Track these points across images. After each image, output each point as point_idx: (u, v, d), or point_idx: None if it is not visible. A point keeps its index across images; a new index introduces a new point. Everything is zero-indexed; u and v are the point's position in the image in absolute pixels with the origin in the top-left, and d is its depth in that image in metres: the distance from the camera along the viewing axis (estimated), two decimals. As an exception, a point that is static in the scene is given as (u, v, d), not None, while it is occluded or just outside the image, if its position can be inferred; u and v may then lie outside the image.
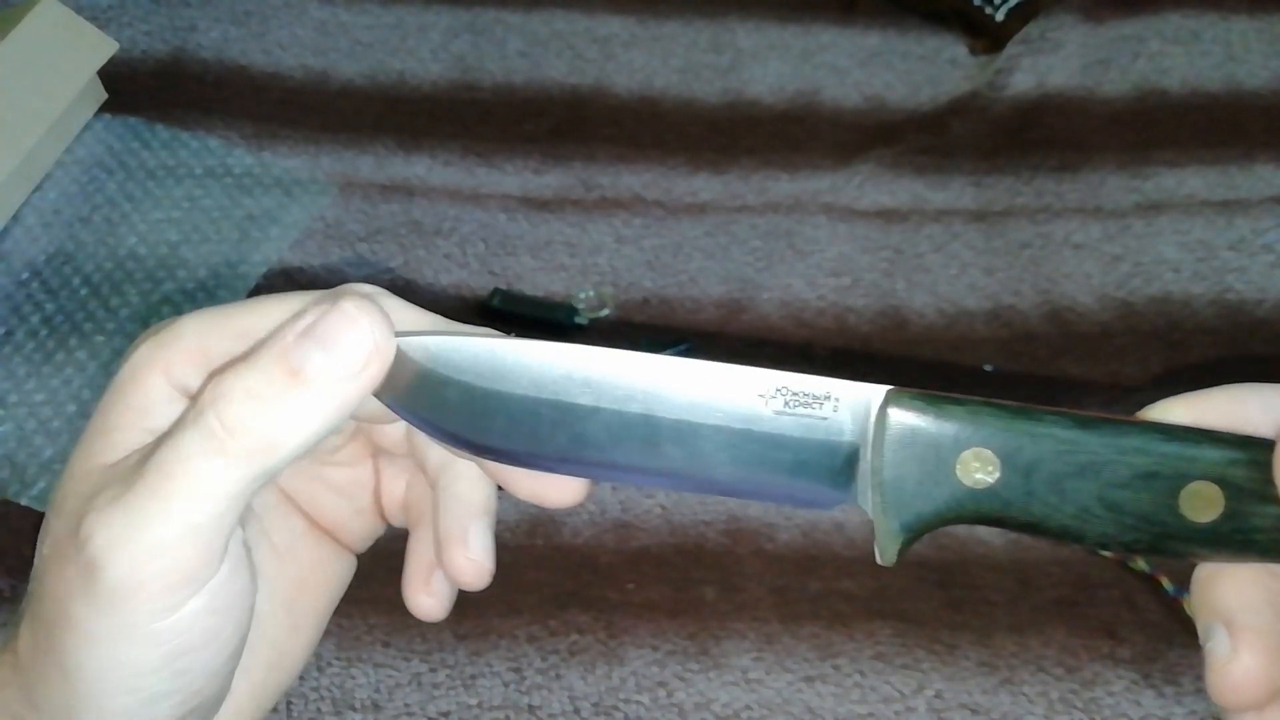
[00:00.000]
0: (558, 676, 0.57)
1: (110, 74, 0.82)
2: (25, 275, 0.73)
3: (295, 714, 0.56)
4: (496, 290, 0.73)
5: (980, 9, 0.90)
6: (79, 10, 0.80)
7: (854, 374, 0.72)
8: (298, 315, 0.27)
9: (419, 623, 0.59)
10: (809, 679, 0.57)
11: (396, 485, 0.33)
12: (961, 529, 0.63)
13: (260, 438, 0.25)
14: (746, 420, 0.27)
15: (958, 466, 0.26)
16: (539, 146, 0.83)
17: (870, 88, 0.88)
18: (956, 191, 0.80)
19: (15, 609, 0.58)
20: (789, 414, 0.27)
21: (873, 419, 0.27)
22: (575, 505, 0.30)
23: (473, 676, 0.57)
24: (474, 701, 0.56)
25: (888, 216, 0.78)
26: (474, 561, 0.30)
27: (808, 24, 0.92)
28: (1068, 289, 0.74)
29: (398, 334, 0.27)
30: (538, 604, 0.60)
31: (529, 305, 0.72)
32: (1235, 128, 0.84)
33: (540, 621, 0.59)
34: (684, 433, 0.27)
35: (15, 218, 0.76)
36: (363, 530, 0.34)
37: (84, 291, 0.72)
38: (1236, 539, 0.25)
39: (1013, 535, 0.63)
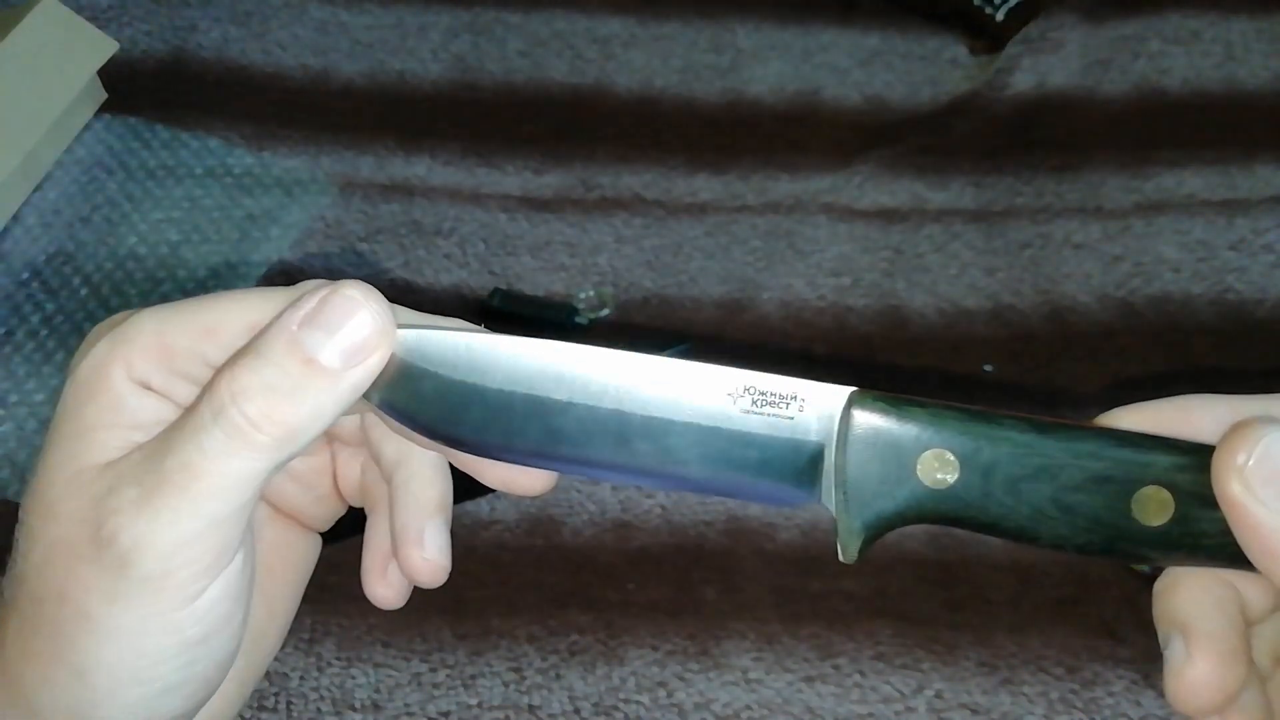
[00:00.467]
0: (558, 676, 0.57)
1: (110, 74, 0.82)
2: (25, 275, 0.73)
3: (295, 714, 0.56)
4: (496, 290, 0.73)
5: (980, 9, 0.90)
6: (79, 10, 0.80)
7: (854, 374, 0.72)
8: (296, 303, 0.27)
9: (419, 622, 0.59)
10: (809, 679, 0.57)
11: (352, 469, 0.34)
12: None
13: (284, 429, 0.26)
14: (714, 418, 0.27)
15: (918, 466, 0.27)
16: (539, 146, 0.83)
17: (870, 88, 0.88)
18: (956, 191, 0.80)
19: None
20: (756, 413, 0.27)
21: (837, 419, 0.27)
22: (544, 493, 0.30)
23: (473, 676, 0.57)
24: (474, 701, 0.56)
25: (888, 216, 0.78)
26: (429, 562, 0.31)
27: (808, 24, 0.92)
28: (1068, 289, 0.74)
29: None
30: (538, 604, 0.60)
31: (529, 305, 0.72)
32: (1235, 128, 0.84)
33: (540, 621, 0.59)
34: (654, 429, 0.27)
35: (15, 218, 0.76)
36: (324, 513, 0.34)
37: (84, 291, 0.72)
38: (1186, 543, 0.26)
39: (1013, 535, 0.63)
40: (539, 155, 0.82)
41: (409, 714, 0.56)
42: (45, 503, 0.27)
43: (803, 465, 0.27)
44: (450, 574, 0.32)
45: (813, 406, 0.27)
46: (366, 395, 0.28)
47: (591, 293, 0.74)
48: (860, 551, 0.27)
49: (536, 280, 0.74)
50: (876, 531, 0.27)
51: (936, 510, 0.27)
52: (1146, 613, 0.63)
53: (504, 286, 0.74)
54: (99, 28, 0.80)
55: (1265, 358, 0.71)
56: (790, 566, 0.62)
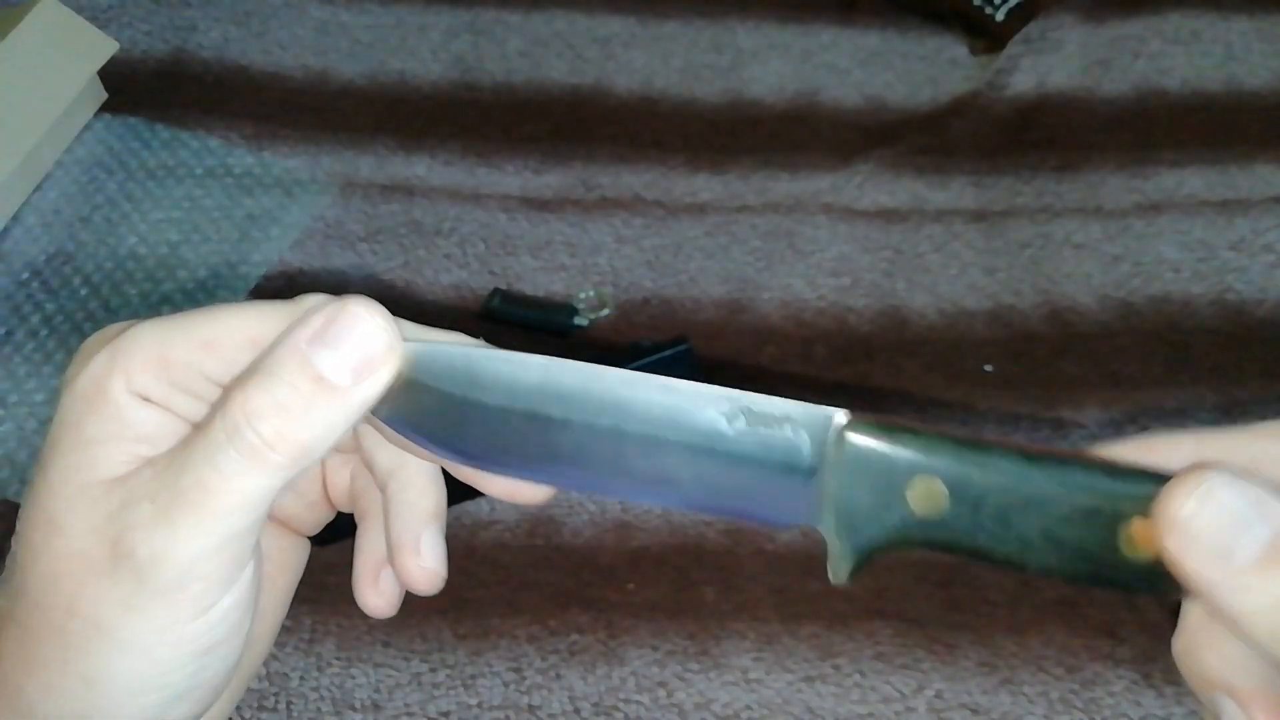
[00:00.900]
0: (558, 676, 0.57)
1: (110, 74, 0.82)
2: (25, 275, 0.73)
3: (295, 714, 0.56)
4: (496, 290, 0.73)
5: (980, 9, 0.90)
6: (79, 10, 0.80)
7: (854, 374, 0.71)
8: (304, 320, 0.27)
9: (419, 622, 0.59)
10: (809, 679, 0.57)
11: (341, 475, 0.34)
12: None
13: (297, 447, 0.27)
14: (709, 438, 0.28)
15: (909, 493, 0.27)
16: (539, 146, 0.83)
17: (870, 88, 0.88)
18: (956, 191, 0.80)
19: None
20: (750, 434, 0.28)
21: (831, 443, 0.27)
22: (545, 503, 0.31)
23: (473, 676, 0.57)
24: (474, 701, 0.56)
25: (888, 216, 0.78)
26: (427, 570, 0.31)
27: (808, 24, 0.92)
28: (1068, 289, 0.74)
29: None
30: (538, 604, 0.60)
31: (529, 305, 0.72)
32: (1235, 128, 0.84)
33: (540, 621, 0.59)
34: (649, 448, 0.28)
35: (15, 218, 0.76)
36: (314, 518, 0.35)
37: (84, 291, 0.72)
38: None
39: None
40: (539, 155, 0.82)
41: (409, 714, 0.56)
42: (49, 516, 0.27)
43: (795, 487, 0.28)
44: (450, 574, 0.32)
45: (806, 429, 0.27)
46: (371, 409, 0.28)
47: (591, 293, 0.74)
48: (851, 575, 0.28)
49: (536, 280, 0.74)
50: (867, 556, 0.28)
51: (926, 537, 0.27)
52: (1146, 613, 0.63)
53: (504, 286, 0.74)
54: (99, 28, 0.80)
55: (1265, 358, 0.70)
56: (790, 566, 0.62)
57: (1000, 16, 0.89)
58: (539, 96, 0.86)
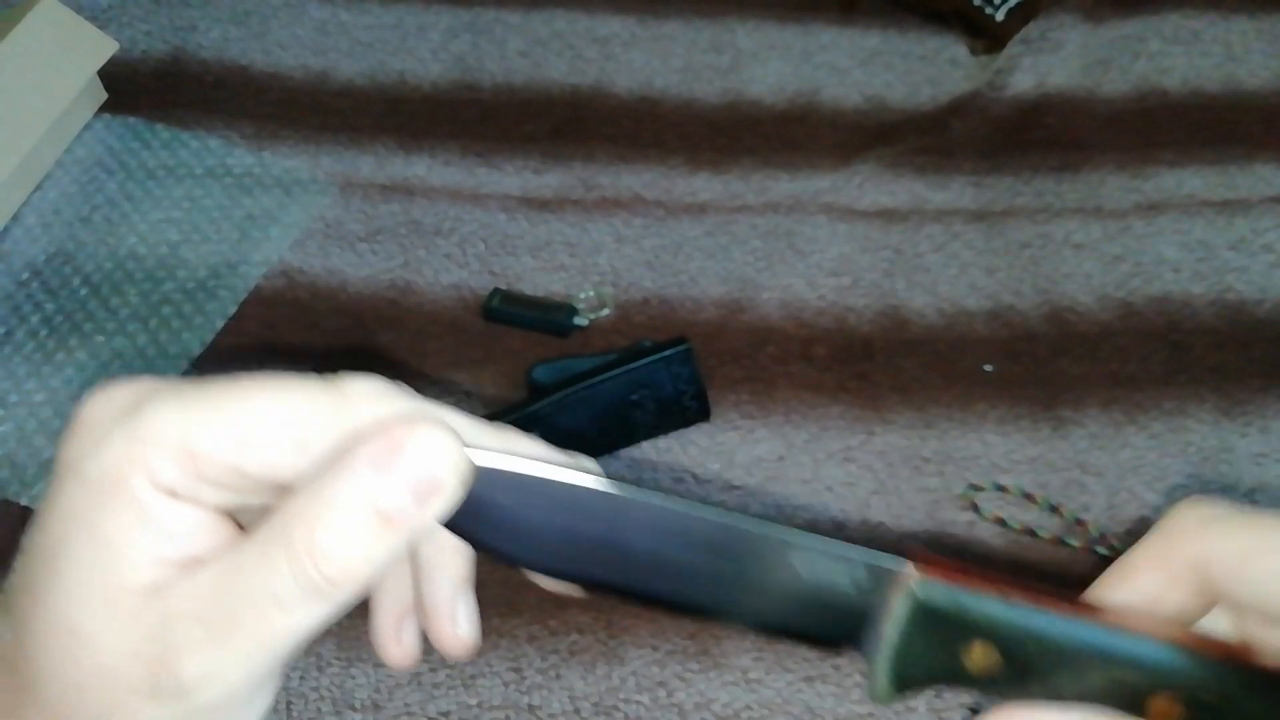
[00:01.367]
0: (558, 676, 0.57)
1: (110, 74, 0.82)
2: (25, 275, 0.73)
3: (295, 714, 0.56)
4: (496, 290, 0.73)
5: (980, 9, 0.90)
6: (79, 10, 0.80)
7: (854, 374, 0.71)
8: (369, 445, 0.26)
9: (419, 623, 0.59)
10: (809, 679, 0.57)
11: None
12: (960, 528, 0.63)
13: (359, 582, 0.26)
14: (775, 576, 0.28)
15: (964, 654, 0.28)
16: (539, 146, 0.83)
17: (870, 88, 0.88)
18: (956, 191, 0.80)
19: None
20: (815, 576, 0.28)
21: (893, 592, 0.28)
22: None
23: (473, 676, 0.57)
24: (474, 701, 0.56)
25: (888, 216, 0.78)
26: (463, 639, 0.31)
27: (808, 24, 0.92)
28: (1068, 289, 0.74)
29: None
30: (538, 604, 0.60)
31: (529, 305, 0.72)
32: (1235, 128, 0.84)
33: (540, 621, 0.59)
34: (714, 579, 0.29)
35: (15, 218, 0.76)
36: None
37: (84, 291, 0.72)
38: None
39: (1012, 535, 0.63)
40: (539, 155, 0.82)
41: (409, 714, 0.56)
42: (71, 626, 0.26)
43: (852, 627, 0.29)
44: None
45: (871, 577, 0.28)
46: None
47: (591, 293, 0.74)
48: (890, 701, 0.29)
49: (536, 280, 0.74)
50: (912, 691, 0.29)
51: (973, 689, 0.29)
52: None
53: (504, 286, 0.74)
54: (99, 28, 0.80)
55: (1265, 358, 0.71)
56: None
57: (1000, 16, 0.89)
58: (539, 96, 0.86)
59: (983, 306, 0.73)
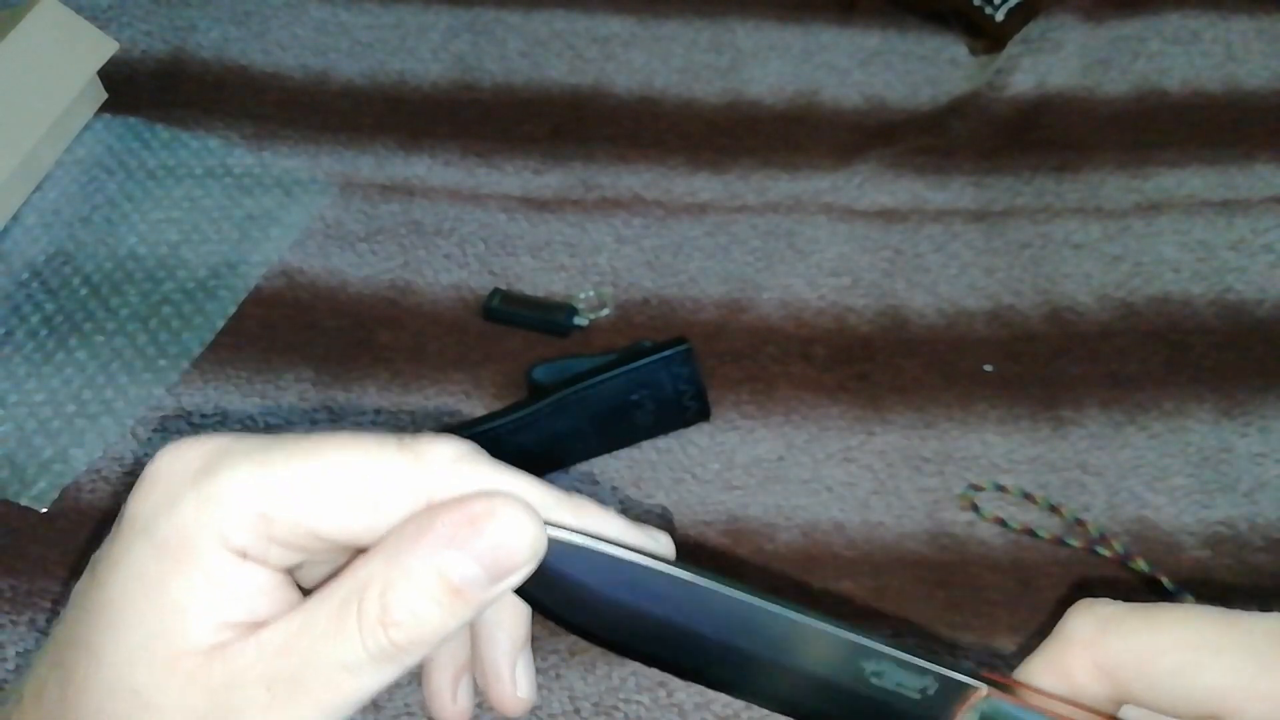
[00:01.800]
0: (558, 676, 0.57)
1: (110, 74, 0.82)
2: (25, 275, 0.73)
3: (295, 714, 0.56)
4: (496, 290, 0.73)
5: (980, 9, 0.90)
6: (79, 10, 0.80)
7: (854, 374, 0.71)
8: (443, 514, 0.26)
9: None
10: (809, 679, 0.57)
11: None
12: (960, 528, 0.63)
13: (428, 647, 0.26)
14: (844, 677, 0.28)
15: None
16: (539, 146, 0.83)
17: (870, 88, 0.88)
18: (956, 191, 0.80)
19: (14, 609, 0.58)
20: (884, 680, 0.29)
21: (960, 706, 0.28)
22: None
23: (473, 676, 0.57)
24: (474, 701, 0.56)
25: (888, 216, 0.78)
26: (522, 700, 0.31)
27: (808, 24, 0.92)
28: (1068, 289, 0.74)
29: None
30: (538, 604, 0.60)
31: (529, 305, 0.72)
32: (1235, 128, 0.84)
33: (540, 621, 0.59)
34: (784, 676, 0.29)
35: (15, 218, 0.76)
36: None
37: (84, 291, 0.72)
38: None
39: (1012, 535, 0.63)
40: (539, 155, 0.82)
41: (409, 714, 0.56)
42: (133, 688, 0.26)
43: None
44: None
45: (941, 688, 0.28)
46: None
47: (591, 293, 0.74)
48: None
49: (536, 280, 0.74)
50: None
51: None
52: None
53: (504, 286, 0.74)
54: (99, 28, 0.80)
55: (1265, 358, 0.71)
56: (790, 566, 0.62)
57: (1000, 16, 0.89)
58: (539, 96, 0.86)
59: (983, 306, 0.73)
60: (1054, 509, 0.63)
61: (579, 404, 0.63)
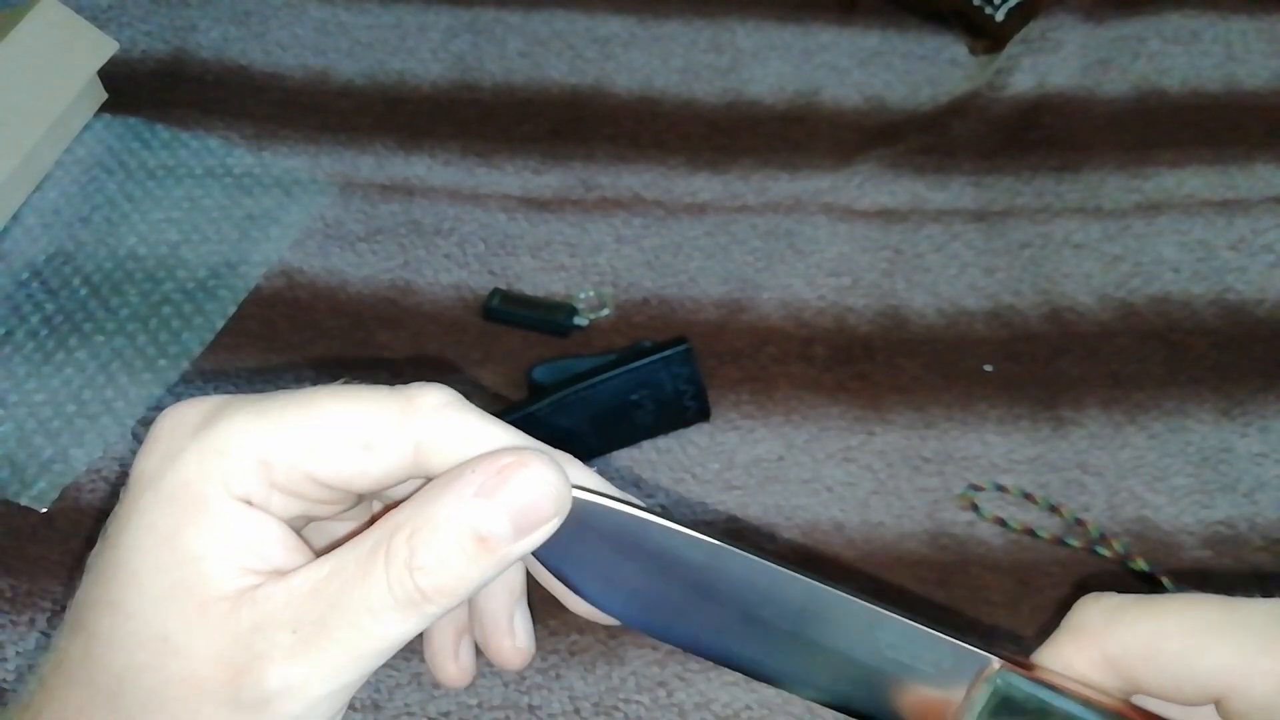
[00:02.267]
0: (558, 676, 0.57)
1: (110, 74, 0.82)
2: (25, 275, 0.73)
3: (295, 714, 0.56)
4: (496, 290, 0.73)
5: (980, 9, 0.90)
6: (79, 10, 0.80)
7: (854, 374, 0.71)
8: (476, 467, 0.27)
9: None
10: (809, 679, 0.57)
11: None
12: (960, 528, 0.63)
13: (454, 598, 0.26)
14: (857, 650, 0.29)
15: None
16: (539, 146, 0.83)
17: (870, 88, 0.88)
18: (956, 191, 0.80)
19: (14, 609, 0.58)
20: (899, 651, 0.29)
21: (974, 680, 0.29)
22: None
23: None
24: (474, 701, 0.56)
25: (888, 216, 0.78)
26: (520, 650, 0.32)
27: (808, 24, 0.92)
28: (1068, 289, 0.74)
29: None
30: (538, 604, 0.60)
31: (529, 305, 0.72)
32: (1235, 128, 0.84)
33: (540, 621, 0.59)
34: (801, 648, 0.29)
35: (15, 218, 0.76)
36: None
37: (84, 291, 0.72)
38: None
39: (1012, 535, 0.63)
40: (539, 155, 0.82)
41: (409, 714, 0.56)
42: (163, 634, 0.26)
43: (928, 709, 0.29)
44: None
45: (954, 660, 0.28)
46: None
47: (591, 293, 0.74)
48: None
49: (536, 280, 0.74)
50: None
51: None
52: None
53: (504, 286, 0.74)
54: (99, 28, 0.80)
55: (1265, 358, 0.71)
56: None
57: (1000, 16, 0.89)
58: (539, 96, 0.86)
59: (983, 306, 0.73)
60: (1054, 509, 0.63)
61: (579, 404, 0.63)
